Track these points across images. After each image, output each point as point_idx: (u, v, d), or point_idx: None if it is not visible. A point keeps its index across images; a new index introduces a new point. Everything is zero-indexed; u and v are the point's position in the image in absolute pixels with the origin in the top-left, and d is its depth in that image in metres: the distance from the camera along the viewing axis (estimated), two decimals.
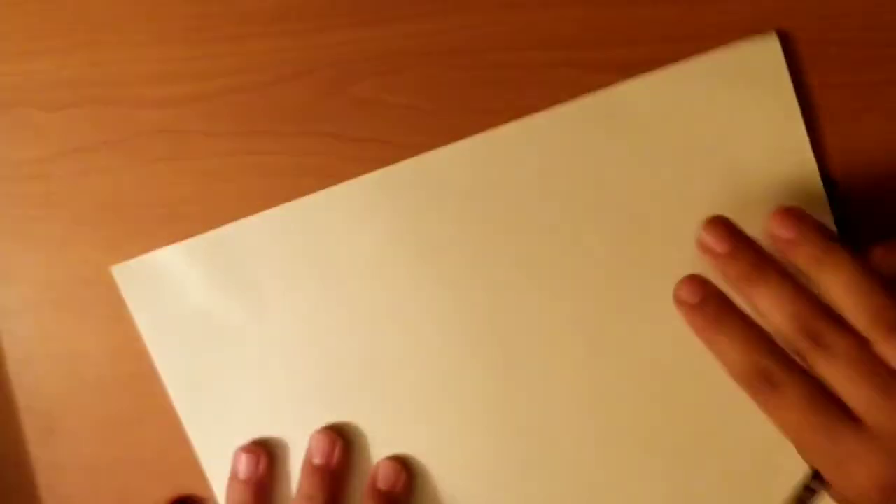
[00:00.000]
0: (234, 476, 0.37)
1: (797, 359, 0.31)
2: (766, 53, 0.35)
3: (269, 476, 0.37)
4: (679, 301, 0.33)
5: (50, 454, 0.38)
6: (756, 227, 0.32)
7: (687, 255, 0.34)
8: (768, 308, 0.31)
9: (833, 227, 0.35)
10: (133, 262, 0.38)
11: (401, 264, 0.37)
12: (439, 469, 0.37)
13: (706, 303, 0.32)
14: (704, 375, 0.35)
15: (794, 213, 0.32)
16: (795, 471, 0.33)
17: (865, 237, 0.34)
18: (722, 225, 0.32)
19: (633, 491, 0.37)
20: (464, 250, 0.37)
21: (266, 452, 0.37)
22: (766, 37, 0.35)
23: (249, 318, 0.38)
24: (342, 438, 0.37)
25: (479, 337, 0.37)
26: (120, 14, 0.36)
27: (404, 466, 0.37)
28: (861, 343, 0.30)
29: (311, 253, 0.38)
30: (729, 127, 0.36)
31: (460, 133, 0.36)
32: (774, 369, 0.30)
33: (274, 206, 0.37)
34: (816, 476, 0.32)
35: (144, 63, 0.37)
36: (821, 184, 0.35)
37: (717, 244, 0.32)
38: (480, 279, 0.37)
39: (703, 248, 0.33)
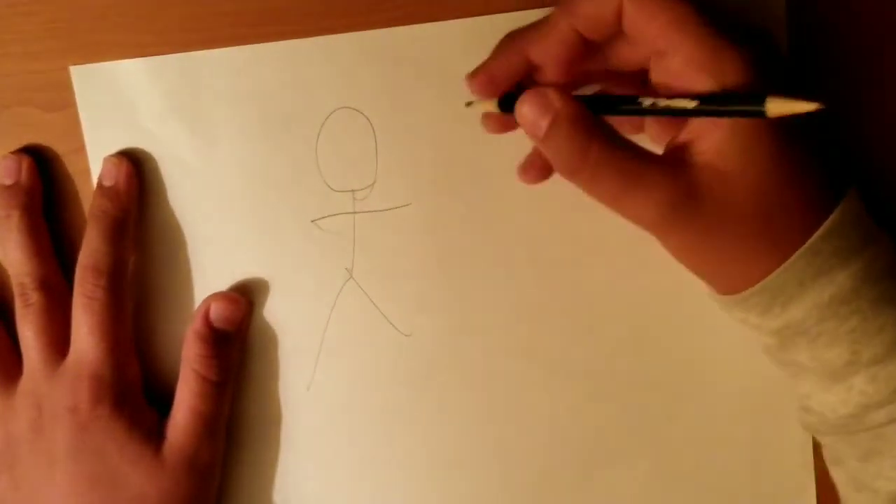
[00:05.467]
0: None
1: None
2: None
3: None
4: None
5: None
6: None
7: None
8: None
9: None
10: (93, 66, 0.36)
11: (362, 134, 0.36)
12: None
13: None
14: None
15: None
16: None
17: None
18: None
19: None
20: (432, 119, 0.36)
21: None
22: None
23: (195, 154, 0.37)
24: (28, 156, 0.36)
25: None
26: (120, 14, 0.36)
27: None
28: None
29: (274, 104, 0.36)
30: None
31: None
32: None
33: None
34: None
35: None
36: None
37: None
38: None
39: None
